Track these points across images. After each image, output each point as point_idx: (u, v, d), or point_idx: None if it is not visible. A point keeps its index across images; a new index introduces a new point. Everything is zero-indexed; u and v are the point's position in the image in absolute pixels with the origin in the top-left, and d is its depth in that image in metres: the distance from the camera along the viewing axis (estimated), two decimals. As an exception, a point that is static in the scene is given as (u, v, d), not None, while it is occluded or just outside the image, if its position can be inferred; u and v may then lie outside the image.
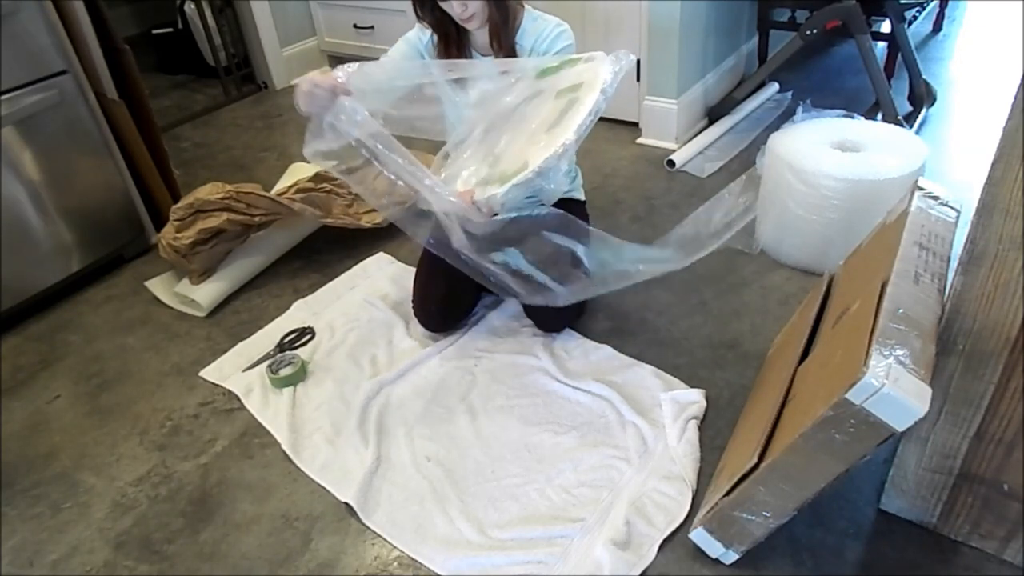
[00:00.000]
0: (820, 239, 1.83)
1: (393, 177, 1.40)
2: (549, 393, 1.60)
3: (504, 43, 1.55)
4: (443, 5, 1.48)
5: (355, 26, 3.25)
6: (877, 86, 2.41)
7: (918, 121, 2.55)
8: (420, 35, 1.62)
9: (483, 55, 1.60)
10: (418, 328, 1.80)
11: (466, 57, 1.59)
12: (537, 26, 1.57)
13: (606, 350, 1.70)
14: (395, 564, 1.29)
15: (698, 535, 1.23)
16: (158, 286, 2.05)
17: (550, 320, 1.75)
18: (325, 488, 1.43)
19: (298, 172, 2.28)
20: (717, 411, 1.53)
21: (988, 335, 1.03)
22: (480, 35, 1.57)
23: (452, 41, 1.57)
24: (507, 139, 1.47)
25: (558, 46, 1.56)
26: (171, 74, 3.60)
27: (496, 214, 1.40)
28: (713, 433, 1.47)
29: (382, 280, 2.01)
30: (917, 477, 1.21)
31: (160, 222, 2.12)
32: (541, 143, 1.39)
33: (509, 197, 1.37)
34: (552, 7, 1.62)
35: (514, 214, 1.43)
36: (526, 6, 1.59)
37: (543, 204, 1.61)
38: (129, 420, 1.64)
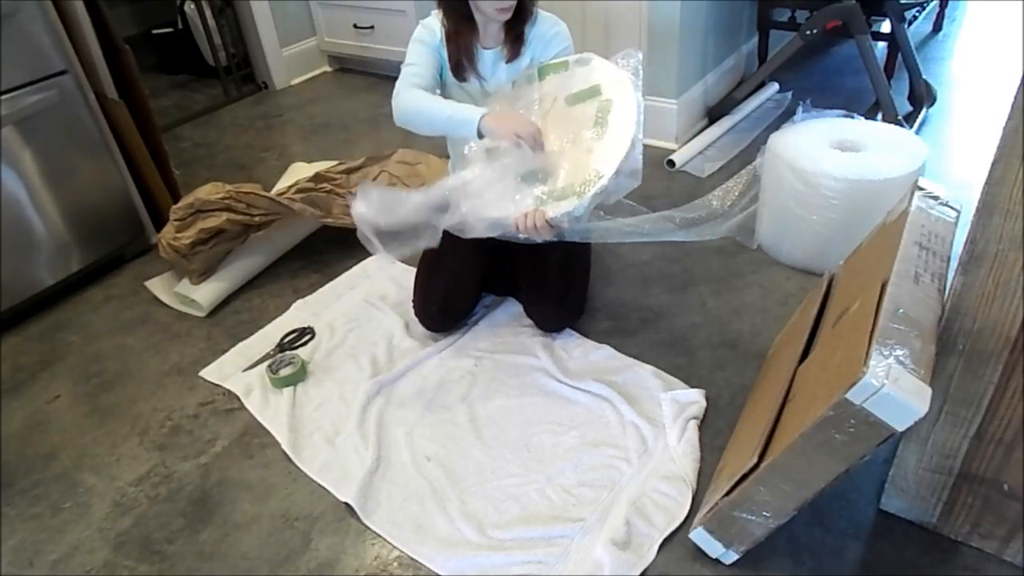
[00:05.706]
0: (820, 239, 1.83)
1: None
2: (549, 393, 1.60)
3: (520, 34, 1.57)
4: (481, 3, 1.49)
5: (355, 26, 3.25)
6: (877, 86, 2.41)
7: (918, 121, 2.55)
8: (432, 35, 1.62)
9: (485, 48, 1.60)
10: (418, 328, 1.80)
11: (471, 49, 1.59)
12: (539, 26, 1.59)
13: (606, 350, 1.70)
14: (395, 564, 1.29)
15: (698, 535, 1.23)
16: (158, 286, 2.05)
17: (550, 320, 1.75)
18: (325, 488, 1.43)
19: (298, 172, 2.28)
20: (717, 411, 1.53)
21: (988, 335, 1.03)
22: (490, 28, 1.57)
23: (464, 33, 1.57)
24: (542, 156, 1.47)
25: (555, 49, 1.58)
26: (171, 74, 3.60)
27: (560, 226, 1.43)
28: (713, 433, 1.47)
29: (382, 280, 2.01)
30: (917, 477, 1.21)
31: (160, 222, 2.12)
32: (594, 150, 1.42)
33: (587, 207, 1.41)
34: (552, 7, 1.62)
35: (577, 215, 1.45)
36: None
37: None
38: (129, 420, 1.64)
